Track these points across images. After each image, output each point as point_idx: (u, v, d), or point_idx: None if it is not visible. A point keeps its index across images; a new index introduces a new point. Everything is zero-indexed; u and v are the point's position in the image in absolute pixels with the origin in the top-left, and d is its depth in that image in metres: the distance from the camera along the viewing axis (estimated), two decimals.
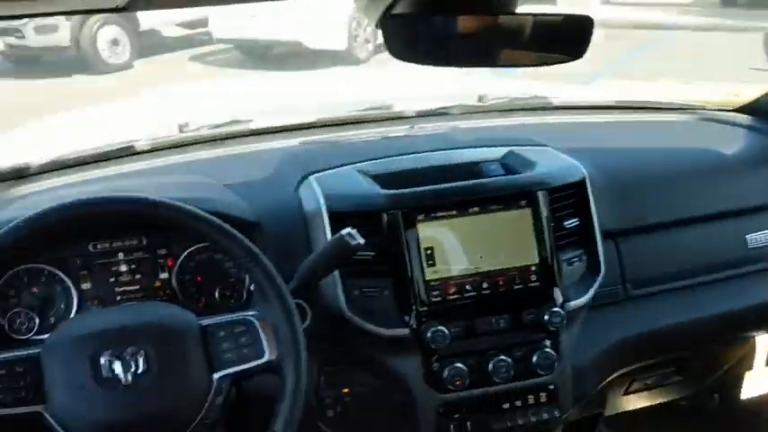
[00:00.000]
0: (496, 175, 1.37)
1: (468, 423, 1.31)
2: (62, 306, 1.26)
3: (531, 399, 1.34)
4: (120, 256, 1.30)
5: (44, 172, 1.60)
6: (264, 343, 1.02)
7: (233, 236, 1.05)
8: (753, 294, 1.52)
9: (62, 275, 1.27)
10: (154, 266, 1.32)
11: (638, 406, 1.73)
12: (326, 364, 1.31)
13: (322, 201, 1.29)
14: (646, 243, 1.49)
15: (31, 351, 0.98)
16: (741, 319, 1.54)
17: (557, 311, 1.30)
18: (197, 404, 0.98)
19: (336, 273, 1.26)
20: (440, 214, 1.30)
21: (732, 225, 1.54)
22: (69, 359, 0.96)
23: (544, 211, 1.32)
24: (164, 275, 1.32)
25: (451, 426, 1.30)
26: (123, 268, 1.31)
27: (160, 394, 0.96)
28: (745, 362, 1.65)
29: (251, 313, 1.05)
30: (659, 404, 2.11)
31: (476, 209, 1.31)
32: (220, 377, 1.00)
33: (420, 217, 1.29)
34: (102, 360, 0.96)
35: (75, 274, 1.28)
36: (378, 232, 1.29)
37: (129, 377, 0.95)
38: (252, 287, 1.26)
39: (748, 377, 1.65)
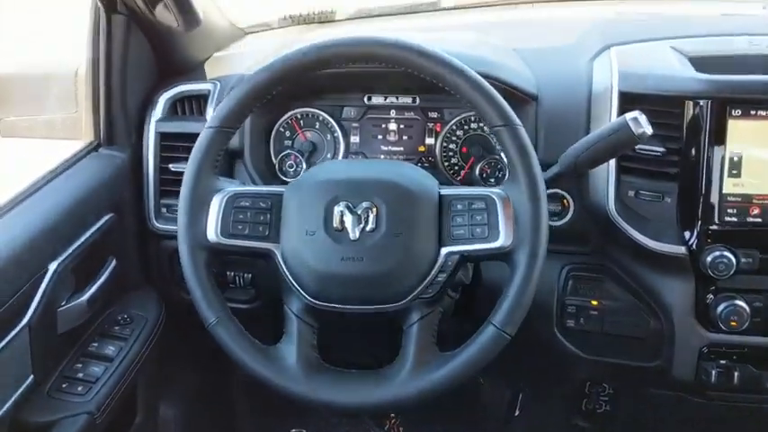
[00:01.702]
0: None
1: (736, 374, 1.08)
2: (328, 156, 1.29)
3: None
4: (393, 113, 1.29)
5: (349, 19, 1.62)
6: (501, 225, 0.91)
7: (492, 98, 0.92)
8: None
9: (334, 124, 1.29)
10: (422, 130, 1.29)
11: None
12: (577, 269, 1.16)
13: (616, 76, 1.09)
14: None
15: (277, 189, 0.99)
16: None
17: None
18: (419, 275, 0.92)
19: (612, 166, 1.08)
20: (763, 113, 1.01)
21: None
22: (306, 202, 0.95)
23: None
24: (429, 140, 1.29)
25: (713, 372, 1.08)
26: (392, 126, 1.29)
27: (383, 256, 0.92)
28: None
29: (495, 191, 0.94)
30: None
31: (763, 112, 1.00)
32: (448, 252, 0.92)
33: (736, 112, 1.02)
34: (336, 210, 0.94)
35: (348, 124, 1.29)
36: (676, 125, 1.06)
37: (357, 232, 0.92)
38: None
39: None
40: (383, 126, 1.30)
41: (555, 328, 1.16)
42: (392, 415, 1.90)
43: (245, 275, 1.29)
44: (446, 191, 0.96)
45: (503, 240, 0.90)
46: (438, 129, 1.28)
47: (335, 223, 0.93)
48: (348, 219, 0.93)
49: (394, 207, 0.93)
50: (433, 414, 1.86)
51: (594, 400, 1.36)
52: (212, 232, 0.96)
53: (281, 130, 1.30)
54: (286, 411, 1.95)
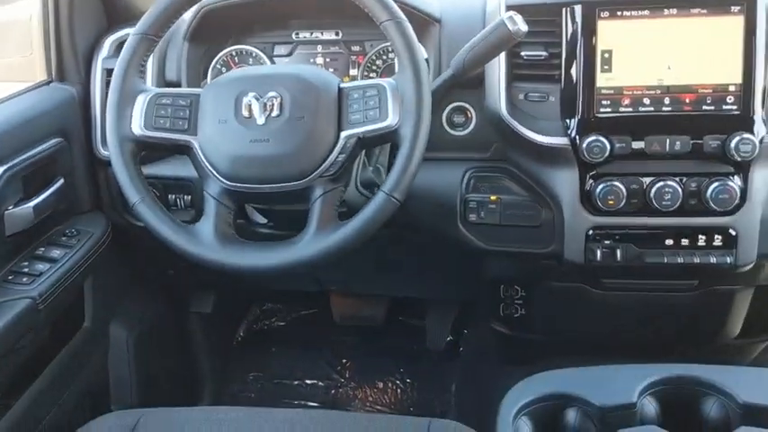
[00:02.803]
0: None
1: (618, 252, 1.19)
2: None
3: (701, 240, 1.17)
4: (319, 48, 1.42)
5: None
6: (389, 107, 1.03)
7: None
8: None
9: (267, 60, 1.41)
10: (346, 62, 1.41)
11: None
12: (479, 169, 1.29)
13: None
14: None
15: (195, 90, 1.12)
16: None
17: (747, 139, 1.09)
18: (321, 156, 1.04)
19: (502, 73, 1.21)
20: (627, 13, 1.14)
21: None
22: (219, 97, 1.08)
23: (762, 22, 1.09)
24: (353, 71, 1.41)
25: (598, 251, 1.20)
26: (320, 60, 1.42)
27: (287, 137, 1.04)
28: None
29: (386, 80, 1.06)
30: None
31: (673, 10, 1.13)
32: (347, 135, 1.05)
33: (604, 14, 1.15)
34: (245, 100, 1.06)
35: (279, 60, 1.41)
36: (556, 31, 1.19)
37: (263, 118, 1.04)
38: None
39: None
40: (311, 61, 1.42)
41: (459, 222, 1.28)
42: (344, 359, 2.04)
43: (185, 197, 1.41)
44: (344, 84, 1.08)
45: (391, 119, 1.03)
46: (360, 60, 1.40)
47: (244, 111, 1.06)
48: (255, 106, 1.05)
49: (296, 96, 1.05)
50: (381, 357, 2.00)
51: (510, 305, 1.47)
52: (137, 126, 1.08)
53: (218, 66, 1.42)
54: (246, 355, 2.07)
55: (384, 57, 1.39)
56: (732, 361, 1.52)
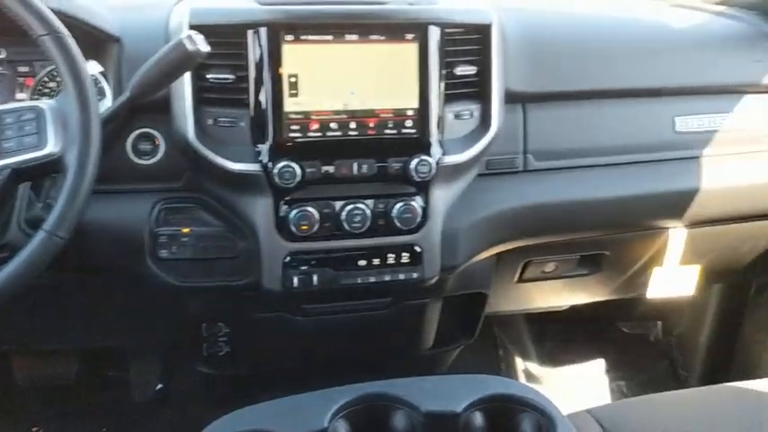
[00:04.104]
0: (387, 3, 1.20)
1: (315, 276, 1.19)
2: None
3: (391, 258, 1.21)
4: None
5: None
6: (50, 133, 0.90)
7: (32, 6, 0.90)
8: (672, 181, 1.37)
9: None
10: (11, 84, 1.23)
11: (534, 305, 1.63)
12: (170, 200, 1.19)
13: (187, 13, 1.15)
14: (559, 112, 1.33)
15: None
16: (655, 207, 1.39)
17: (425, 161, 1.16)
18: None
19: (188, 97, 1.13)
20: (311, 38, 1.15)
21: (661, 105, 1.37)
22: None
23: (434, 51, 1.17)
24: (21, 95, 1.23)
25: (295, 278, 1.18)
26: None
27: None
28: (656, 259, 1.50)
29: (45, 101, 0.93)
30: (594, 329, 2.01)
31: (354, 36, 1.15)
32: None
33: (288, 37, 1.14)
34: None
35: None
36: (242, 53, 1.15)
37: None
38: None
39: (656, 275, 1.51)
40: None
41: (148, 259, 1.17)
42: (34, 427, 1.77)
43: None
44: None
45: (52, 146, 0.89)
46: (29, 83, 1.23)
47: None
48: None
49: None
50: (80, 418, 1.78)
51: (214, 343, 1.39)
52: None
53: None
54: None
55: (58, 79, 1.23)
56: (431, 371, 1.61)
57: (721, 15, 1.53)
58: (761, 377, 1.24)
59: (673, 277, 1.49)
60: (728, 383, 1.25)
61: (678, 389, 1.26)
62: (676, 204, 1.38)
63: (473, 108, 1.23)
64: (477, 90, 1.23)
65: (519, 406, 0.96)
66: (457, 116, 1.22)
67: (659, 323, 2.09)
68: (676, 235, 1.44)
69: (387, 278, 1.21)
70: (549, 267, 1.51)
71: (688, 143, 1.38)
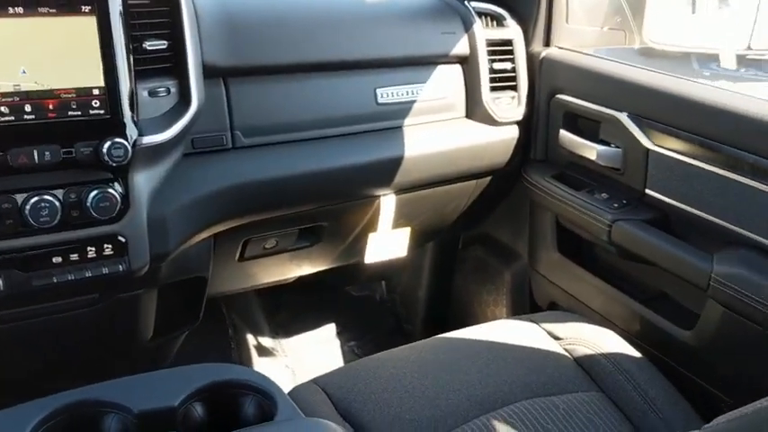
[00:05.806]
0: None
1: (1, 280, 1.05)
2: None
3: (92, 252, 1.11)
4: None
5: None
6: None
7: None
8: (377, 151, 1.43)
9: None
10: None
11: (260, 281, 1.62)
12: None
13: None
14: (264, 87, 1.31)
15: None
16: (363, 177, 1.44)
17: (119, 143, 1.07)
18: None
19: None
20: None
21: (363, 78, 1.42)
22: None
23: (116, 24, 1.07)
24: None
25: None
26: None
27: None
28: (371, 225, 1.57)
29: None
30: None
31: (19, 9, 1.01)
32: None
33: None
34: None
35: None
36: None
37: None
38: None
39: (372, 240, 1.59)
40: None
41: None
42: None
43: None
44: None
45: None
46: None
47: None
48: None
49: None
50: None
51: None
52: None
53: None
54: None
55: None
56: (158, 361, 1.53)
57: None
58: (471, 325, 1.37)
59: (386, 241, 1.57)
60: (439, 335, 1.35)
61: (405, 343, 1.34)
62: (383, 173, 1.45)
63: (169, 84, 1.17)
64: (172, 65, 1.16)
65: (239, 390, 0.94)
66: (152, 93, 1.15)
67: (383, 283, 2.21)
68: (386, 202, 1.51)
69: (88, 274, 1.10)
70: (270, 243, 1.50)
71: (390, 114, 1.45)
